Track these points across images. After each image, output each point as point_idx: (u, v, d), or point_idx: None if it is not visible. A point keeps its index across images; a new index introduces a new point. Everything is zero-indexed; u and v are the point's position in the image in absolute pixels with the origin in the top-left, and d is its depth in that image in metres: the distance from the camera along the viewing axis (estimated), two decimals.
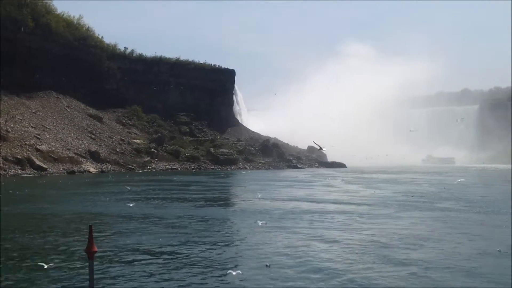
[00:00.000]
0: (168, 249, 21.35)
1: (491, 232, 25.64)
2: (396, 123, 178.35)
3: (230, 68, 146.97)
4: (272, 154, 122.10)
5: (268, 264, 18.53)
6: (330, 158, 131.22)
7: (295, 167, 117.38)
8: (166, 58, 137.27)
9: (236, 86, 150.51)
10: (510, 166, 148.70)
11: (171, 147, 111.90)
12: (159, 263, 18.90)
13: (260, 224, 25.75)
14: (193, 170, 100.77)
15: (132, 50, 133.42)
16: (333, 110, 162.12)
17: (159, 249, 21.22)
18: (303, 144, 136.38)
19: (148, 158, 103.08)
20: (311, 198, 44.26)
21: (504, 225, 28.11)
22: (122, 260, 19.27)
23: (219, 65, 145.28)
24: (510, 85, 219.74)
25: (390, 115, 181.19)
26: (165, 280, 16.77)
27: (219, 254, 20.72)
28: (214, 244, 22.48)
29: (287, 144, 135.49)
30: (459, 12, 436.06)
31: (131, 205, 35.82)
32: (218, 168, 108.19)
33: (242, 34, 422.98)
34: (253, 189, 54.66)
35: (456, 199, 42.92)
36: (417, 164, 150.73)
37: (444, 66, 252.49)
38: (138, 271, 17.74)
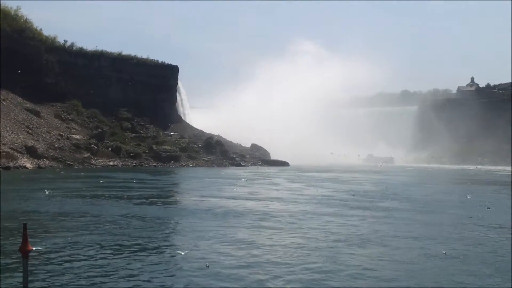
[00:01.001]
0: (104, 249, 20.50)
1: (435, 233, 25.70)
2: (337, 123, 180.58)
3: (174, 64, 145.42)
4: (215, 151, 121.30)
5: (207, 265, 17.99)
6: (273, 156, 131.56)
7: (239, 164, 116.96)
8: (107, 52, 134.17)
9: (179, 82, 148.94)
10: (448, 166, 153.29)
11: (112, 143, 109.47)
12: (94, 263, 18.08)
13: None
14: (134, 166, 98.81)
15: (72, 43, 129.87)
16: (277, 108, 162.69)
17: (95, 249, 20.33)
18: (246, 142, 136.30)
19: (88, 154, 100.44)
20: (255, 196, 43.88)
21: (447, 225, 28.38)
22: (57, 259, 18.48)
23: (162, 61, 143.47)
24: (448, 87, 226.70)
25: (332, 114, 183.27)
26: (101, 281, 15.97)
27: (158, 254, 20.01)
28: (152, 244, 21.72)
29: (231, 141, 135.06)
30: (400, 14, 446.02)
31: (67, 202, 34.50)
32: (160, 165, 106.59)
33: (188, 30, 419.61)
34: (195, 187, 53.96)
35: (398, 199, 43.37)
36: (358, 163, 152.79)
37: (385, 68, 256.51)
38: (73, 270, 17.01)
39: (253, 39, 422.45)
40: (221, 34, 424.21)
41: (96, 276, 16.51)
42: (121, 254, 19.83)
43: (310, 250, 21.06)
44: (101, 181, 56.57)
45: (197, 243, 21.92)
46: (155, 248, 21.07)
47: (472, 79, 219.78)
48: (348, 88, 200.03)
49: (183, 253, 20.00)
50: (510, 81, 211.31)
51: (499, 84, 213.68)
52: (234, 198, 41.52)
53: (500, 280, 16.95)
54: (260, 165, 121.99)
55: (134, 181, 59.00)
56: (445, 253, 20.37)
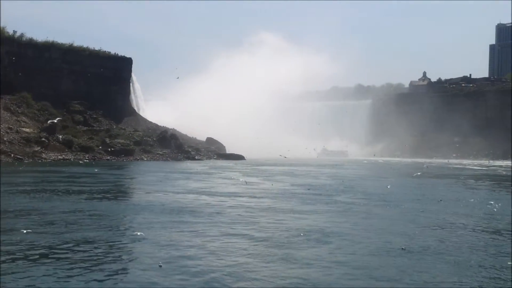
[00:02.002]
0: (51, 248, 19.57)
1: (392, 227, 25.61)
2: (292, 116, 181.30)
3: (128, 56, 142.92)
4: (170, 145, 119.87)
5: (161, 264, 17.35)
6: (229, 150, 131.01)
7: (194, 158, 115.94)
8: (58, 43, 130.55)
9: (133, 75, 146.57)
10: (401, 159, 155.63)
11: (63, 137, 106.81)
12: (42, 262, 17.18)
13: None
14: (86, 161, 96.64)
15: (22, 34, 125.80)
16: (232, 100, 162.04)
17: (42, 248, 19.39)
18: (202, 135, 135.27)
19: (39, 147, 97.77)
20: (210, 191, 43.24)
21: (403, 219, 28.38)
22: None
23: (115, 53, 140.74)
24: (401, 81, 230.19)
25: (287, 107, 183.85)
26: (48, 281, 15.14)
27: (110, 253, 19.24)
28: (103, 243, 20.89)
29: (186, 135, 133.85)
30: (359, 10, 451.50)
31: (14, 198, 33.16)
32: (113, 159, 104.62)
33: (144, 22, 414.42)
34: (149, 181, 52.94)
35: (354, 192, 43.44)
36: (312, 157, 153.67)
37: (341, 62, 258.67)
38: (19, 270, 16.20)
39: (211, 30, 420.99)
40: (177, 26, 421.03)
41: (42, 276, 15.68)
42: (70, 252, 18.97)
43: (267, 246, 20.62)
44: (62, 172, 54.95)
45: (150, 241, 21.20)
46: (105, 246, 20.26)
47: (424, 73, 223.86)
48: (304, 81, 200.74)
49: (135, 252, 19.30)
50: (461, 76, 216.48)
51: (450, 78, 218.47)
52: (189, 193, 40.81)
53: (457, 275, 16.84)
54: (216, 158, 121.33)
55: (86, 175, 57.54)
56: (403, 249, 20.22)
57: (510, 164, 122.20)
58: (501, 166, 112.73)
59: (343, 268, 17.54)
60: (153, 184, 49.35)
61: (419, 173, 69.26)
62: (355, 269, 17.46)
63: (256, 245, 20.84)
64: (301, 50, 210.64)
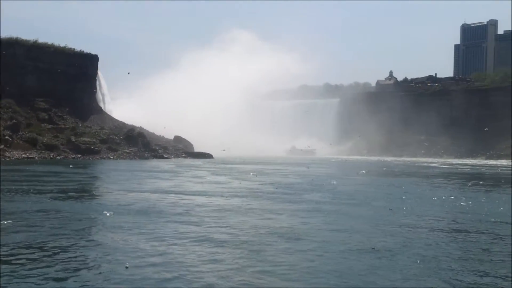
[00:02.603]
0: (14, 249, 18.91)
1: (362, 226, 25.50)
2: (261, 114, 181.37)
3: (94, 53, 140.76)
4: (137, 143, 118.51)
5: (127, 266, 16.90)
6: (197, 148, 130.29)
7: (162, 157, 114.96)
8: (22, 40, 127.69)
9: (99, 72, 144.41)
10: (368, 157, 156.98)
11: (27, 135, 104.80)
12: (7, 265, 16.50)
13: (108, 214, 23.03)
14: (51, 159, 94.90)
15: None
16: (202, 99, 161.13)
17: (3, 250, 18.68)
18: (169, 134, 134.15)
19: (2, 146, 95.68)
20: (178, 190, 42.68)
21: (373, 217, 28.34)
22: None
23: (81, 50, 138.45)
24: (368, 80, 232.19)
25: (256, 105, 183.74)
26: (13, 282, 14.57)
27: (73, 254, 18.65)
28: (67, 243, 20.29)
29: (153, 133, 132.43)
30: (324, 9, 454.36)
31: None
32: (79, 157, 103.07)
33: (113, 19, 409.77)
34: (115, 180, 52.13)
35: (324, 191, 43.40)
36: (281, 155, 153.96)
37: (310, 61, 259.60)
38: None
39: (182, 27, 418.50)
40: (147, 23, 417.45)
41: (6, 276, 15.08)
42: (33, 254, 18.36)
43: (235, 246, 20.26)
44: (26, 171, 53.62)
45: (116, 242, 20.67)
46: (70, 247, 19.66)
47: (391, 73, 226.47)
48: (274, 80, 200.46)
49: (100, 253, 18.77)
50: (426, 75, 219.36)
51: (416, 78, 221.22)
52: (156, 192, 40.21)
53: (426, 275, 16.77)
54: (184, 157, 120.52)
55: (50, 174, 56.37)
56: (373, 248, 20.09)
57: (477, 163, 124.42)
58: (467, 165, 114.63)
59: (314, 268, 17.32)
60: (119, 183, 48.56)
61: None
62: (326, 269, 17.24)
63: (225, 245, 20.47)
64: (273, 49, 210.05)
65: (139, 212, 28.92)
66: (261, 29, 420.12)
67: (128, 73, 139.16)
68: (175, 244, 20.47)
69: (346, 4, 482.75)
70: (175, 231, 23.31)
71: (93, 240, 21.20)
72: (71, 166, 52.96)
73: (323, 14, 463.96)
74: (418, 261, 18.23)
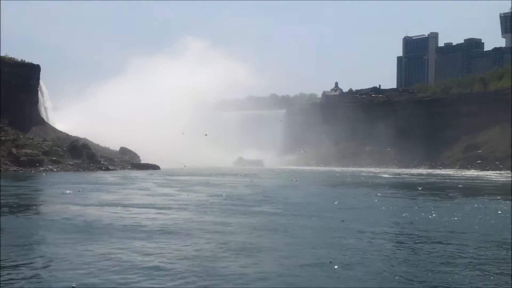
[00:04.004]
0: None
1: (317, 239, 25.05)
2: (209, 125, 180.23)
3: (35, 63, 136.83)
4: (81, 155, 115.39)
5: (74, 285, 15.93)
6: (143, 160, 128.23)
7: (107, 169, 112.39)
8: None
9: (42, 82, 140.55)
10: (315, 168, 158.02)
11: None
12: None
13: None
14: None
15: None
16: (148, 109, 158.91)
17: None
18: (115, 145, 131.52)
19: None
20: (123, 203, 41.33)
21: (326, 229, 27.96)
22: None
23: (22, 59, 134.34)
24: (313, 91, 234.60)
25: (203, 116, 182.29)
26: None
27: (15, 273, 17.47)
28: (7, 263, 19.03)
29: (98, 145, 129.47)
30: (269, 18, 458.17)
31: None
32: (20, 170, 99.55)
33: (55, 27, 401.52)
34: (58, 194, 50.16)
35: (274, 202, 42.95)
36: (228, 166, 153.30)
37: (257, 70, 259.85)
38: None
39: (130, 34, 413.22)
40: (91, 30, 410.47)
41: None
42: None
43: (188, 263, 19.42)
44: None
45: (57, 261, 19.53)
46: (11, 267, 18.44)
47: (336, 84, 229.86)
48: (223, 89, 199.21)
49: (46, 272, 17.67)
50: (371, 86, 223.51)
51: (361, 89, 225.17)
52: (100, 205, 38.86)
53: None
54: (130, 169, 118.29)
55: None
56: (331, 262, 19.67)
57: (422, 172, 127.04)
58: (412, 174, 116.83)
59: (272, 284, 16.74)
60: (62, 196, 46.75)
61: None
62: (284, 285, 16.71)
63: (175, 262, 19.65)
64: (224, 57, 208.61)
65: (80, 227, 27.67)
66: (215, 35, 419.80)
67: (73, 84, 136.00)
68: (121, 262, 19.51)
69: (291, 15, 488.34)
70: (121, 247, 22.28)
71: (31, 258, 19.98)
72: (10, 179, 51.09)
73: (266, 22, 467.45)
74: (375, 276, 17.92)
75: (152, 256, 20.44)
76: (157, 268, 18.59)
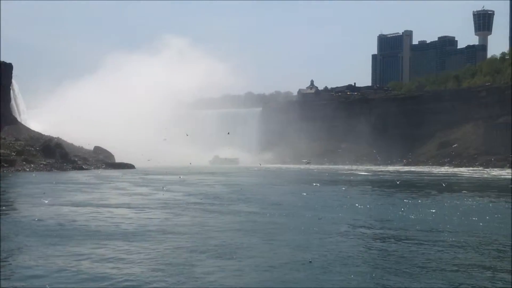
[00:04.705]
0: None
1: (296, 238, 24.77)
2: (184, 123, 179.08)
3: (7, 62, 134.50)
4: (55, 154, 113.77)
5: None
6: (118, 159, 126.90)
7: (81, 168, 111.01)
8: None
9: (14, 81, 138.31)
10: (292, 166, 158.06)
11: None
12: None
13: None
14: None
15: None
16: (124, 107, 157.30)
17: None
18: (89, 145, 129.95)
19: None
20: (98, 203, 40.63)
21: (305, 229, 27.65)
22: None
23: None
24: (289, 89, 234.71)
25: (180, 115, 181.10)
26: None
27: None
28: None
29: (72, 144, 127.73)
30: (246, 19, 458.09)
31: None
32: None
33: (27, 25, 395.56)
34: (30, 194, 49.18)
35: (253, 201, 42.61)
36: (204, 165, 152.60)
37: (233, 70, 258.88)
38: None
39: (105, 34, 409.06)
40: (66, 28, 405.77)
41: None
42: None
43: (165, 264, 18.97)
44: None
45: (33, 264, 18.92)
46: None
47: (312, 82, 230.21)
48: (199, 88, 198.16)
49: (16, 277, 17.09)
50: (346, 84, 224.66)
51: (336, 87, 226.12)
52: (73, 206, 38.10)
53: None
54: (104, 168, 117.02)
55: None
56: (311, 262, 19.39)
57: (398, 169, 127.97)
58: (388, 171, 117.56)
59: (250, 285, 16.41)
60: (34, 197, 45.76)
61: (311, 179, 70.29)
62: (263, 285, 16.40)
63: (152, 263, 19.19)
64: (203, 56, 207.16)
65: (55, 229, 27.00)
66: (196, 34, 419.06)
67: (46, 83, 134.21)
68: (97, 263, 19.01)
69: (266, 13, 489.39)
70: (97, 248, 21.73)
71: (4, 262, 19.35)
72: None
73: (245, 21, 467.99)
74: (353, 275, 17.69)
75: (128, 258, 19.95)
76: (132, 269, 18.13)
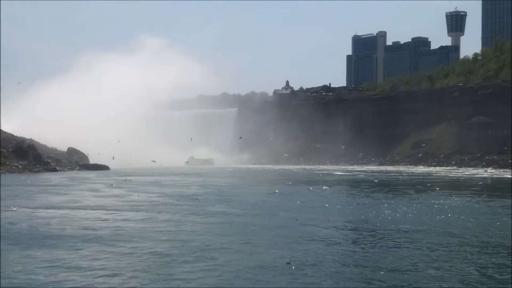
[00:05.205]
0: None
1: (273, 239, 24.57)
2: (160, 124, 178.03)
3: None
4: (27, 156, 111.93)
5: None
6: (92, 160, 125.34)
7: (54, 170, 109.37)
8: None
9: None
10: (267, 166, 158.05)
11: None
12: None
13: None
14: None
15: None
16: (97, 107, 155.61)
17: None
18: (63, 146, 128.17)
19: None
20: (72, 205, 39.97)
21: (282, 230, 27.48)
22: None
23: None
24: (264, 90, 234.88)
25: (155, 115, 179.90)
26: None
27: None
28: None
29: (45, 145, 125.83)
30: (224, 19, 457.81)
31: None
32: None
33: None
34: (3, 196, 48.15)
35: (229, 202, 42.33)
36: (180, 166, 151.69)
37: (205, 70, 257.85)
38: None
39: (79, 35, 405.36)
40: (39, 31, 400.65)
41: None
42: None
43: (141, 267, 18.63)
44: None
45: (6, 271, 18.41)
46: None
47: (287, 82, 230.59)
48: (174, 88, 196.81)
49: None
50: (321, 84, 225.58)
51: (311, 87, 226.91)
52: (47, 208, 37.40)
53: None
54: (78, 169, 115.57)
55: None
56: (288, 263, 19.19)
57: (375, 169, 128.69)
58: (363, 171, 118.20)
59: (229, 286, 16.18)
60: (6, 199, 44.82)
61: (287, 180, 70.27)
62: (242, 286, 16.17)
63: (128, 266, 18.80)
64: (179, 57, 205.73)
65: (27, 232, 26.40)
66: (173, 34, 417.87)
67: (19, 83, 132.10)
68: (72, 268, 18.57)
69: (242, 13, 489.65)
70: (70, 253, 21.27)
71: None
72: None
73: (218, 22, 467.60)
74: (331, 277, 17.55)
75: (103, 261, 19.53)
76: (109, 273, 17.72)
